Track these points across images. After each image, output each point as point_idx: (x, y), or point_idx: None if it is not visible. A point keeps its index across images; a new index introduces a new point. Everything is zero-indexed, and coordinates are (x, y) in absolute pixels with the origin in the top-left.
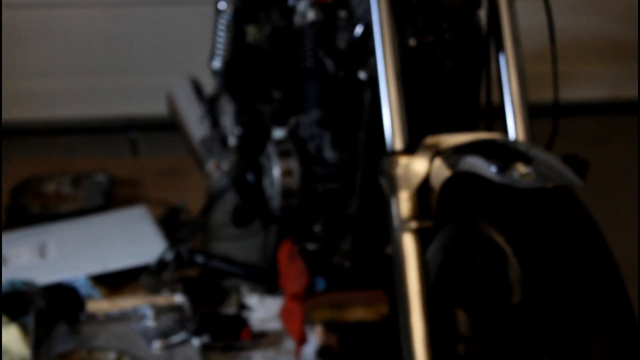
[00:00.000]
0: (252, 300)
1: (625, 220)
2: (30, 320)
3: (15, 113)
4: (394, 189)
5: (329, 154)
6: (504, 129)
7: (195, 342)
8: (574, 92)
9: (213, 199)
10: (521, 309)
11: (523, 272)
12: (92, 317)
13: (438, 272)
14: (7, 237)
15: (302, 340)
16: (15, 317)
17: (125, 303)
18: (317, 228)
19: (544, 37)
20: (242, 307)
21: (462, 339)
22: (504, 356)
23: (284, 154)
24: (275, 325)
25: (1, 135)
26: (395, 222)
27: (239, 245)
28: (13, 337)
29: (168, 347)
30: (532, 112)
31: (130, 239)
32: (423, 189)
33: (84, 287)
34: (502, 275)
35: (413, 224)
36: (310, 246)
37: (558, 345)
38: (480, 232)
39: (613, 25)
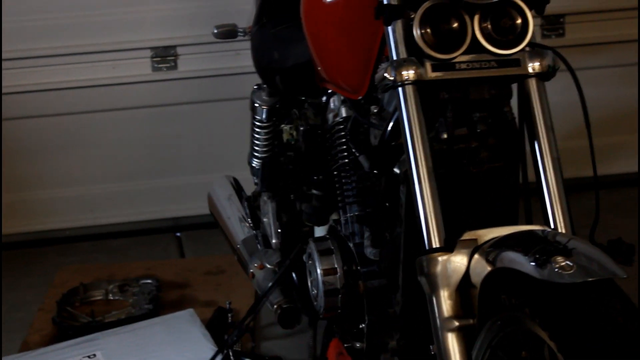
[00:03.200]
0: None
1: None
2: None
3: (59, 222)
4: (434, 288)
5: (370, 251)
6: (543, 220)
7: None
8: (621, 164)
9: (259, 299)
10: None
11: None
12: None
13: None
14: (55, 348)
15: None
16: None
17: None
18: (363, 326)
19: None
20: None
21: None
22: None
23: (325, 252)
24: None
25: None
26: (437, 322)
27: (288, 344)
28: None
29: None
30: (577, 187)
31: (179, 344)
32: (463, 286)
33: None
34: None
35: (455, 323)
36: (358, 345)
37: None
38: (525, 327)
39: None
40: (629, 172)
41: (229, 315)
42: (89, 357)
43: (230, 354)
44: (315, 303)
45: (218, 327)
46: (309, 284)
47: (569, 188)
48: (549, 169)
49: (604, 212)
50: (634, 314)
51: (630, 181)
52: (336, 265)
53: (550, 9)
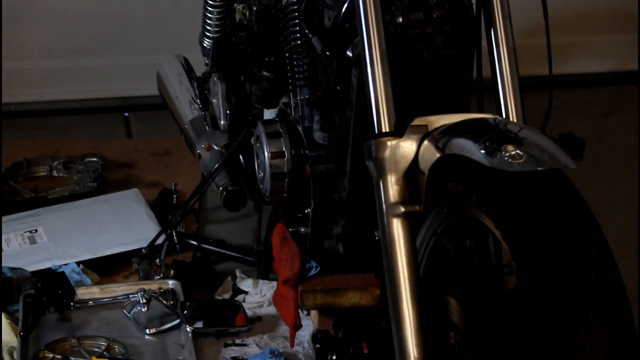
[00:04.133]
0: (246, 284)
1: (629, 193)
2: (19, 308)
3: (6, 96)
4: (381, 173)
5: (319, 135)
6: (496, 109)
7: (188, 328)
8: (578, 64)
9: (204, 180)
10: (513, 296)
11: (513, 257)
12: (83, 304)
13: (429, 257)
14: None
15: (296, 326)
16: (4, 306)
17: (117, 289)
18: (308, 211)
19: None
20: (237, 291)
21: (453, 327)
22: (496, 344)
23: (273, 135)
24: (270, 310)
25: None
26: (383, 207)
27: (233, 228)
28: (1, 326)
29: (160, 334)
30: (533, 86)
31: (123, 223)
32: (411, 172)
33: (74, 274)
34: (494, 261)
35: (401, 209)
36: (303, 230)
37: (550, 332)
38: (470, 215)
39: None
40: (585, 73)
41: (174, 196)
42: (30, 232)
43: (174, 234)
44: (261, 186)
45: (163, 208)
46: (256, 167)
47: (525, 86)
48: (504, 57)
49: (556, 110)
50: (581, 205)
51: (585, 82)
52: (284, 149)
53: None
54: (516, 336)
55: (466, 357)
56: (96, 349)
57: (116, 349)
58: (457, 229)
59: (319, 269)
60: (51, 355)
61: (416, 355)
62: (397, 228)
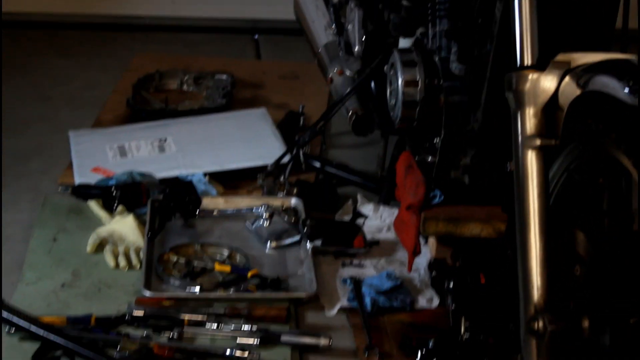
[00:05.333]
0: (367, 209)
1: None
2: (146, 211)
3: (139, 8)
4: (520, 105)
5: (455, 66)
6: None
7: (308, 245)
8: None
9: (335, 103)
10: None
11: None
12: (208, 213)
13: (560, 191)
14: (128, 129)
15: (415, 252)
16: (133, 208)
17: (241, 202)
18: (437, 141)
19: None
20: (357, 215)
21: (580, 261)
22: (620, 282)
23: (408, 64)
24: (388, 235)
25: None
26: (519, 139)
27: (357, 154)
28: (130, 226)
29: (280, 248)
30: None
31: (250, 140)
32: (550, 107)
33: (201, 184)
34: (625, 200)
35: (537, 141)
36: (430, 158)
37: None
38: (607, 153)
39: None
40: None
41: (301, 118)
42: (160, 140)
43: (300, 154)
44: (391, 113)
45: (289, 129)
46: (388, 94)
47: None
48: None
49: None
50: None
51: None
52: (418, 77)
53: None
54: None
55: (590, 290)
56: (219, 256)
57: (237, 258)
58: (591, 167)
59: (442, 198)
60: (176, 258)
61: (539, 285)
62: (532, 160)
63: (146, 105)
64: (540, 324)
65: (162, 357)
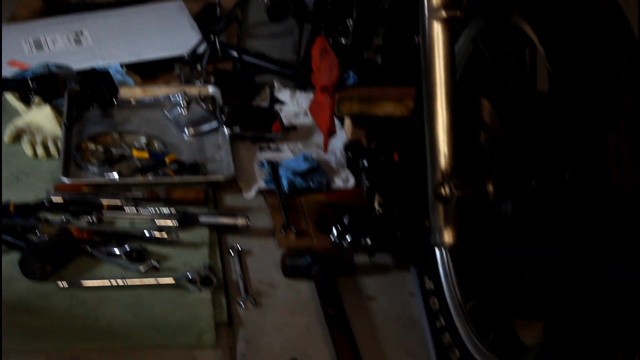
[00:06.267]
0: (284, 95)
1: None
2: (63, 102)
3: None
4: None
5: None
6: None
7: (226, 131)
8: None
9: None
10: (545, 98)
11: (548, 60)
12: (126, 103)
13: (466, 62)
14: (43, 23)
15: (330, 132)
16: (49, 99)
17: (159, 91)
18: (350, 23)
19: None
20: (275, 101)
21: (485, 127)
22: (524, 143)
23: None
24: (305, 120)
25: None
26: (425, 11)
27: (274, 43)
28: (47, 116)
29: (198, 135)
30: None
31: (166, 31)
32: None
33: (118, 74)
34: (528, 66)
35: (443, 13)
36: (344, 41)
37: (576, 132)
38: (511, 23)
39: None
40: None
41: (218, 9)
42: (76, 32)
43: (217, 42)
44: None
45: (206, 19)
46: None
47: None
48: None
49: None
50: (619, 14)
51: None
52: None
53: None
54: (543, 137)
55: (494, 153)
56: (137, 143)
57: (156, 145)
58: (496, 37)
59: (356, 79)
60: (94, 146)
61: (446, 152)
62: (438, 32)
63: None
64: (447, 189)
65: (81, 239)
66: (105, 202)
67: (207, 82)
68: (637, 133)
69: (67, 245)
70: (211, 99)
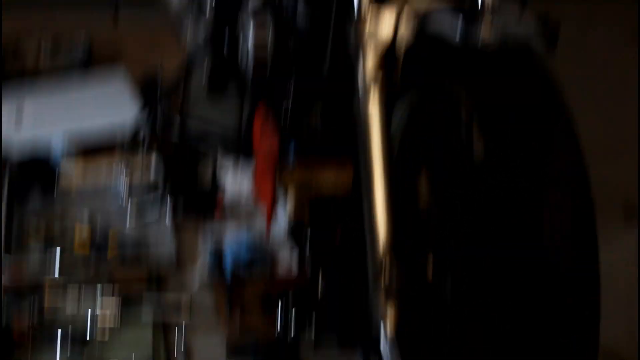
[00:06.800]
0: (227, 170)
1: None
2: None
3: None
4: (360, 50)
5: (304, 9)
6: None
7: (168, 220)
8: None
9: (190, 59)
10: (479, 170)
11: (481, 129)
12: (66, 190)
13: (403, 137)
14: None
15: (272, 203)
16: None
17: (101, 175)
18: (290, 88)
19: None
20: (216, 182)
21: (424, 204)
22: (462, 219)
23: (258, 12)
24: (249, 197)
25: None
26: (360, 83)
27: (215, 109)
28: None
29: (142, 226)
30: None
31: (108, 99)
32: (390, 50)
33: (60, 146)
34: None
35: (378, 87)
36: (284, 105)
37: (514, 204)
38: (447, 98)
39: None
40: None
41: (159, 76)
42: (17, 105)
43: (158, 110)
44: (244, 62)
45: (149, 86)
46: (241, 43)
47: None
48: None
49: None
50: (548, 82)
51: None
52: (268, 21)
53: None
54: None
55: (433, 233)
56: (77, 236)
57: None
58: (432, 111)
59: (297, 146)
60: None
61: (384, 229)
62: (374, 107)
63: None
64: (386, 265)
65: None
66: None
67: (149, 166)
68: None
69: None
70: (154, 185)
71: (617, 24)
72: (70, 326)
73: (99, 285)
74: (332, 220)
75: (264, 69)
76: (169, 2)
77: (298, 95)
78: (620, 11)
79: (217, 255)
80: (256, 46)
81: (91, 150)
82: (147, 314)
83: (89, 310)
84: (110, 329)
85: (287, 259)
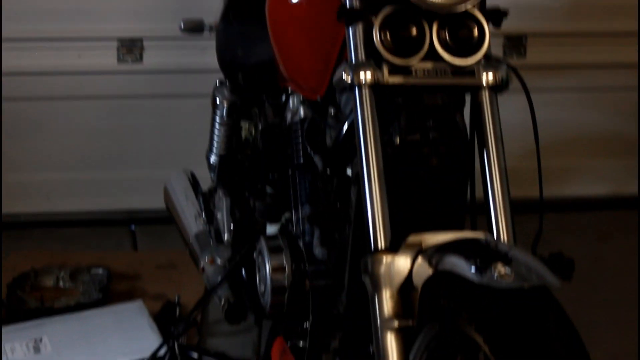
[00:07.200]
0: None
1: (626, 316)
2: None
3: (14, 206)
4: (376, 288)
5: (319, 250)
6: (487, 228)
7: None
8: (574, 188)
9: (207, 294)
10: None
11: None
12: None
13: None
14: (3, 330)
15: None
16: None
17: None
18: (307, 325)
19: (547, 133)
20: None
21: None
22: None
23: (275, 250)
24: None
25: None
26: (378, 321)
27: (233, 342)
28: None
29: None
30: (528, 208)
31: (126, 334)
32: (406, 288)
33: None
34: None
35: (395, 323)
36: (301, 344)
37: None
38: (461, 331)
39: (613, 121)
40: (580, 196)
41: (177, 308)
42: (35, 340)
43: (176, 346)
44: (262, 300)
45: (166, 320)
46: (257, 280)
47: (516, 208)
48: (496, 178)
49: (551, 232)
50: (566, 324)
51: (582, 206)
52: (285, 263)
53: (513, 28)
54: None
55: None
56: None
57: None
58: (449, 344)
59: None
60: None
61: None
62: (391, 342)
63: (22, 304)
64: None
65: None
66: None
67: None
68: None
69: None
70: None
71: None
72: None
73: None
74: None
75: (282, 301)
76: (187, 232)
77: (316, 328)
78: None
79: None
80: (273, 277)
81: None
82: None
83: None
84: None
85: None
